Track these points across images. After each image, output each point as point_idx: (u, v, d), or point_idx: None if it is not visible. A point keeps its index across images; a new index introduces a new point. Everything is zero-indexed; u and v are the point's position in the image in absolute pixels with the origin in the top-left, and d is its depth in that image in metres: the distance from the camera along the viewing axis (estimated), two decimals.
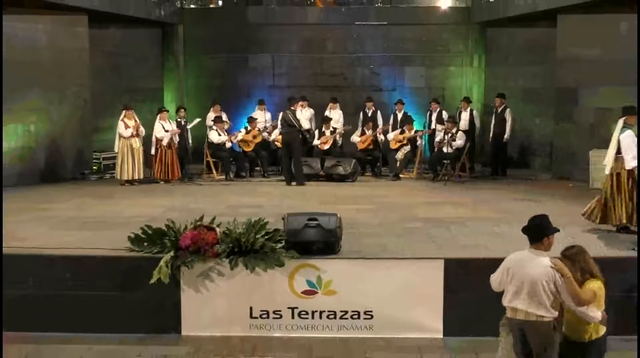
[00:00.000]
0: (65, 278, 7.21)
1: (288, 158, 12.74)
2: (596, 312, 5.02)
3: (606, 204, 8.31)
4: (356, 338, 7.06)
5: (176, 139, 12.98)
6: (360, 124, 14.53)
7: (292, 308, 7.18)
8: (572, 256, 5.17)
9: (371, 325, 7.13)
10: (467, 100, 14.43)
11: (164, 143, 12.75)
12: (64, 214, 9.76)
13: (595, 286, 5.06)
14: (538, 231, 5.21)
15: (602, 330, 5.13)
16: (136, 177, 12.56)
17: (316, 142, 14.00)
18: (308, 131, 13.73)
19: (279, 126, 13.55)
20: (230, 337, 7.12)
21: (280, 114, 13.32)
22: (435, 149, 13.64)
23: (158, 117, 13.00)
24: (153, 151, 12.92)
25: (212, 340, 7.05)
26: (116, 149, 12.63)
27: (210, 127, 13.75)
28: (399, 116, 14.54)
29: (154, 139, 12.89)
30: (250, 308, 7.19)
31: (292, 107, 13.11)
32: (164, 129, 12.83)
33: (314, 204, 10.00)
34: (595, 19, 12.25)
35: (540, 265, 5.09)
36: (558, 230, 5.26)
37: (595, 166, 12.04)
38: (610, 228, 8.55)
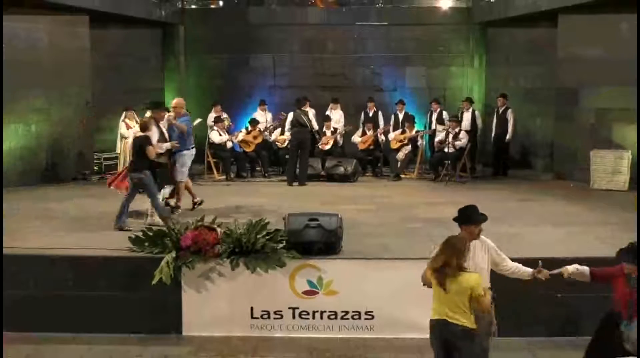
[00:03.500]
0: (66, 279, 7.23)
1: (296, 158, 12.71)
2: None
3: None
4: (357, 338, 7.07)
5: None
6: (361, 124, 14.53)
7: (293, 309, 7.19)
8: None
9: (372, 326, 7.14)
10: (470, 100, 14.40)
11: None
12: (65, 214, 9.77)
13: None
14: (457, 220, 5.52)
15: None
16: None
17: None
18: (318, 132, 13.73)
19: (289, 126, 13.50)
20: (231, 337, 7.13)
21: (291, 114, 13.27)
22: (436, 150, 13.64)
23: None
24: None
25: (213, 340, 7.07)
26: (118, 150, 12.65)
27: (211, 128, 13.75)
28: (400, 116, 14.54)
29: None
30: (251, 309, 7.21)
31: (303, 108, 13.11)
32: None
33: (315, 205, 9.99)
34: (596, 19, 12.24)
35: None
36: (477, 220, 5.41)
37: (596, 166, 12.06)
38: (610, 228, 8.56)
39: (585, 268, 5.48)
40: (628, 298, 5.14)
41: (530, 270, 5.57)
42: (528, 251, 6.93)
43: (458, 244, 5.09)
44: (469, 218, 5.42)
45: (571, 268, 5.49)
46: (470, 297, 4.98)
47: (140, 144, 8.53)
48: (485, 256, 5.50)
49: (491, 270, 5.57)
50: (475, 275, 5.06)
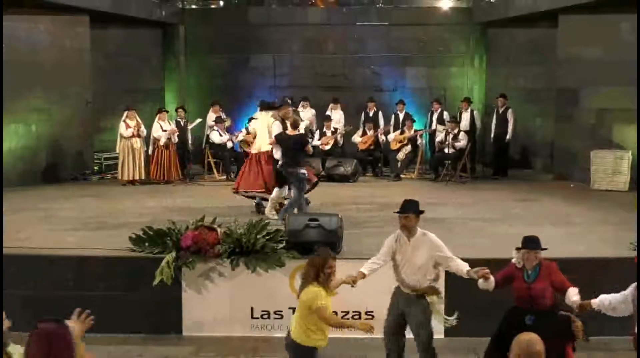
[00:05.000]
0: (66, 279, 7.23)
1: None
2: None
3: None
4: (357, 338, 7.05)
5: (174, 139, 12.98)
6: (361, 124, 14.53)
7: (293, 309, 7.13)
8: None
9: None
10: (468, 100, 14.40)
11: (161, 142, 12.78)
12: (65, 214, 9.78)
13: None
14: None
15: None
16: (137, 177, 12.58)
17: (317, 142, 13.99)
18: (311, 130, 13.71)
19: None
20: (231, 337, 7.14)
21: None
22: (436, 150, 13.65)
23: (157, 117, 13.05)
24: (150, 151, 12.95)
25: (213, 340, 7.07)
26: (117, 150, 12.67)
27: (211, 128, 13.75)
28: (401, 116, 14.53)
29: (151, 139, 12.92)
30: (251, 309, 7.21)
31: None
32: (162, 129, 12.85)
33: (315, 205, 10.00)
34: (596, 19, 12.24)
35: None
36: (400, 211, 5.72)
37: (596, 167, 12.06)
38: (610, 228, 8.55)
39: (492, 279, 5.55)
40: (527, 293, 5.35)
41: (466, 268, 5.63)
42: None
43: (315, 260, 5.28)
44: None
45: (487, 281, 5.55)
46: (310, 311, 5.09)
47: (302, 142, 8.96)
48: (424, 254, 5.66)
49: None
50: (313, 289, 5.13)
